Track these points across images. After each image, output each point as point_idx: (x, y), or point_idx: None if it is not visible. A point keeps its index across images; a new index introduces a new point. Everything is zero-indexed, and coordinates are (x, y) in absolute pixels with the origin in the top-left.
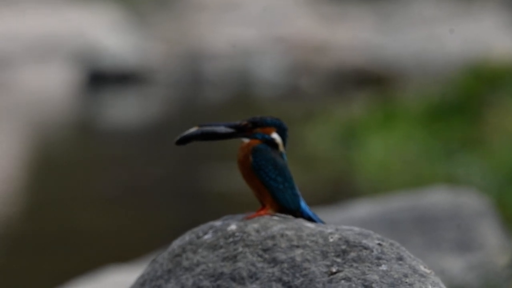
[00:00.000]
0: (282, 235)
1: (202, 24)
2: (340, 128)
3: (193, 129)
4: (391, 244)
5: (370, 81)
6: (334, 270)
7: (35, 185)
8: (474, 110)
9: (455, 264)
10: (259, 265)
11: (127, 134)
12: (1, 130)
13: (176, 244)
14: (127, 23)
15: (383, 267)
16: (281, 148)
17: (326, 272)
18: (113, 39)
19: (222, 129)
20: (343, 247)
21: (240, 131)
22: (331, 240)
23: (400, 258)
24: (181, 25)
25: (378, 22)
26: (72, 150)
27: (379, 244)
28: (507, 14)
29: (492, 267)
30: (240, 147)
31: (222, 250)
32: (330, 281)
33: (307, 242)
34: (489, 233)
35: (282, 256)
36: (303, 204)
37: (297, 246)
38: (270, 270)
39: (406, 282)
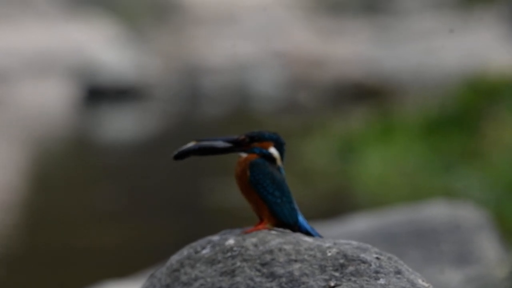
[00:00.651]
0: (280, 250)
1: (200, 38)
2: (338, 142)
3: (191, 144)
4: (389, 258)
5: (368, 94)
6: (332, 284)
7: (34, 200)
8: (472, 123)
9: (454, 277)
10: (257, 279)
11: (125, 149)
12: None
13: (174, 259)
14: (125, 38)
15: (381, 281)
16: (278, 162)
17: (324, 287)
18: (111, 54)
19: (219, 143)
20: (341, 261)
21: (237, 145)
22: (329, 254)
23: (399, 272)
24: (179, 40)
25: (376, 35)
26: (70, 165)
27: (377, 258)
28: (505, 27)
29: (491, 280)
30: (238, 162)
31: (220, 265)
32: None
33: (305, 256)
34: (488, 246)
35: (280, 271)
36: (301, 218)
37: (295, 261)
38: (268, 285)
39: None
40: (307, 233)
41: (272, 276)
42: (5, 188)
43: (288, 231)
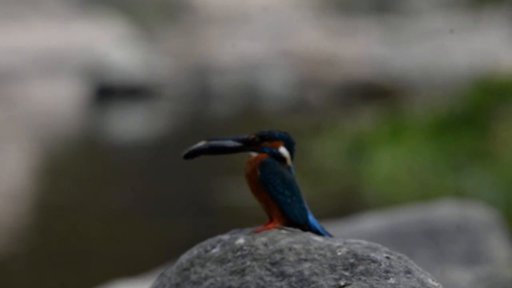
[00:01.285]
0: (290, 249)
1: (210, 38)
2: (348, 142)
3: (201, 143)
4: (399, 257)
5: (377, 94)
6: (342, 283)
7: (44, 199)
8: (482, 123)
9: (463, 277)
10: (267, 278)
11: (135, 148)
12: (9, 144)
13: (184, 258)
14: (135, 37)
15: (391, 281)
16: (288, 162)
17: (334, 286)
18: (121, 53)
19: (229, 143)
20: (351, 260)
21: (247, 145)
22: (339, 253)
23: (409, 271)
24: (189, 39)
25: (386, 35)
26: (80, 164)
27: (387, 257)
28: None
29: (500, 280)
30: (248, 161)
31: (230, 264)
32: None
33: (315, 256)
34: (497, 246)
35: (290, 270)
36: (311, 217)
37: (305, 260)
38: (278, 284)
39: None
40: (317, 233)
41: (282, 275)
42: (15, 187)
43: (298, 230)
